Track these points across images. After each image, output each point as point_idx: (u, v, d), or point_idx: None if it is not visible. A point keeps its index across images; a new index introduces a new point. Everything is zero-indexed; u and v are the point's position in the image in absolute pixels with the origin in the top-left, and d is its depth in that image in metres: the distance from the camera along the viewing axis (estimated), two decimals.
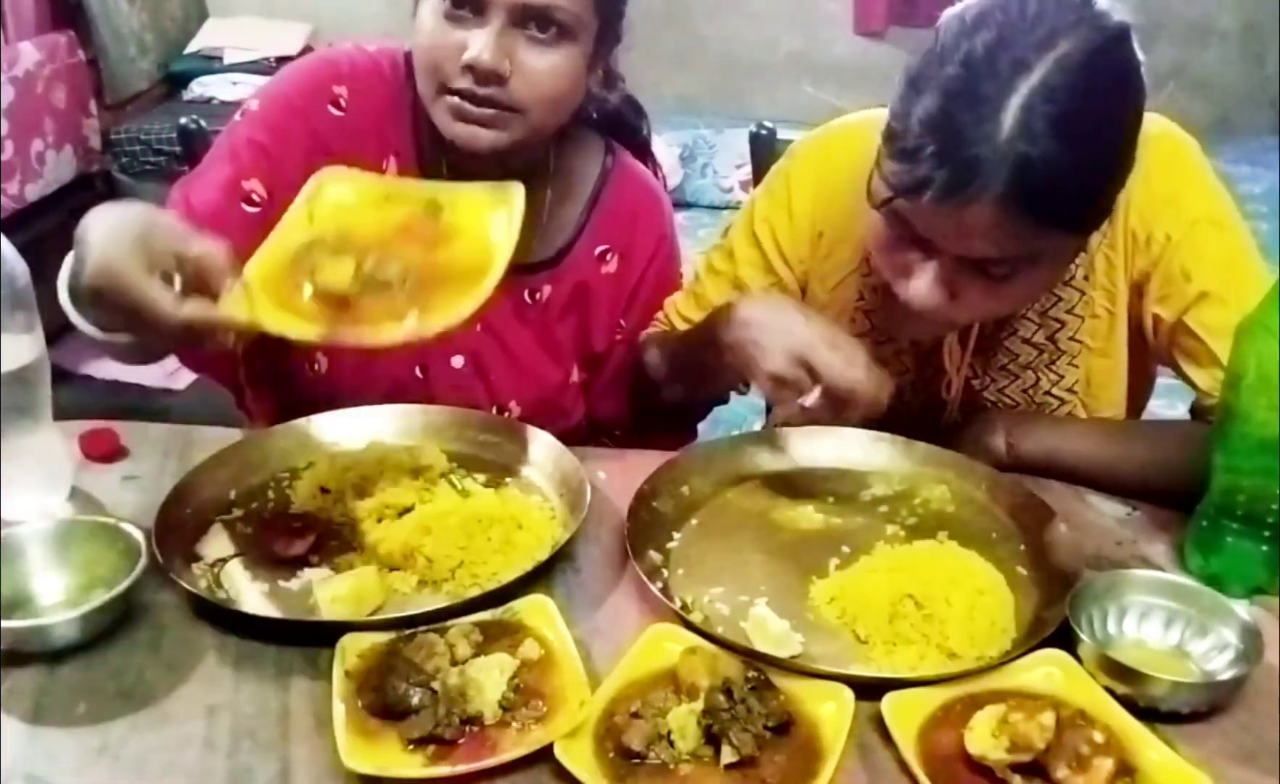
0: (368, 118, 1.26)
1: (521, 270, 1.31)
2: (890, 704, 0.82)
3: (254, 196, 1.22)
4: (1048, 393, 1.23)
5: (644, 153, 1.41)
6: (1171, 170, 1.15)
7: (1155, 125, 1.15)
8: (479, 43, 1.10)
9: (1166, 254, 1.14)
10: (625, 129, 1.38)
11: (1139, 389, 1.27)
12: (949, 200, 0.96)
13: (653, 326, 1.38)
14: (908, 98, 0.99)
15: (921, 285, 1.04)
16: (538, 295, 1.33)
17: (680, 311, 1.35)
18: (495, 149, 1.16)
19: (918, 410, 1.28)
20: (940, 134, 0.95)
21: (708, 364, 1.21)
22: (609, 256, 1.34)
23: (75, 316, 1.00)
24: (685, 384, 1.32)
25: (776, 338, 1.08)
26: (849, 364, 1.05)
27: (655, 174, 1.42)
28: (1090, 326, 1.20)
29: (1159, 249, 1.14)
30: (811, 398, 1.05)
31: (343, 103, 1.25)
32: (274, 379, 1.31)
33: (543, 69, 1.13)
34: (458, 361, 1.31)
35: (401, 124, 1.27)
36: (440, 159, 1.24)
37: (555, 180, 1.30)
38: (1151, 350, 1.20)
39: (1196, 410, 1.16)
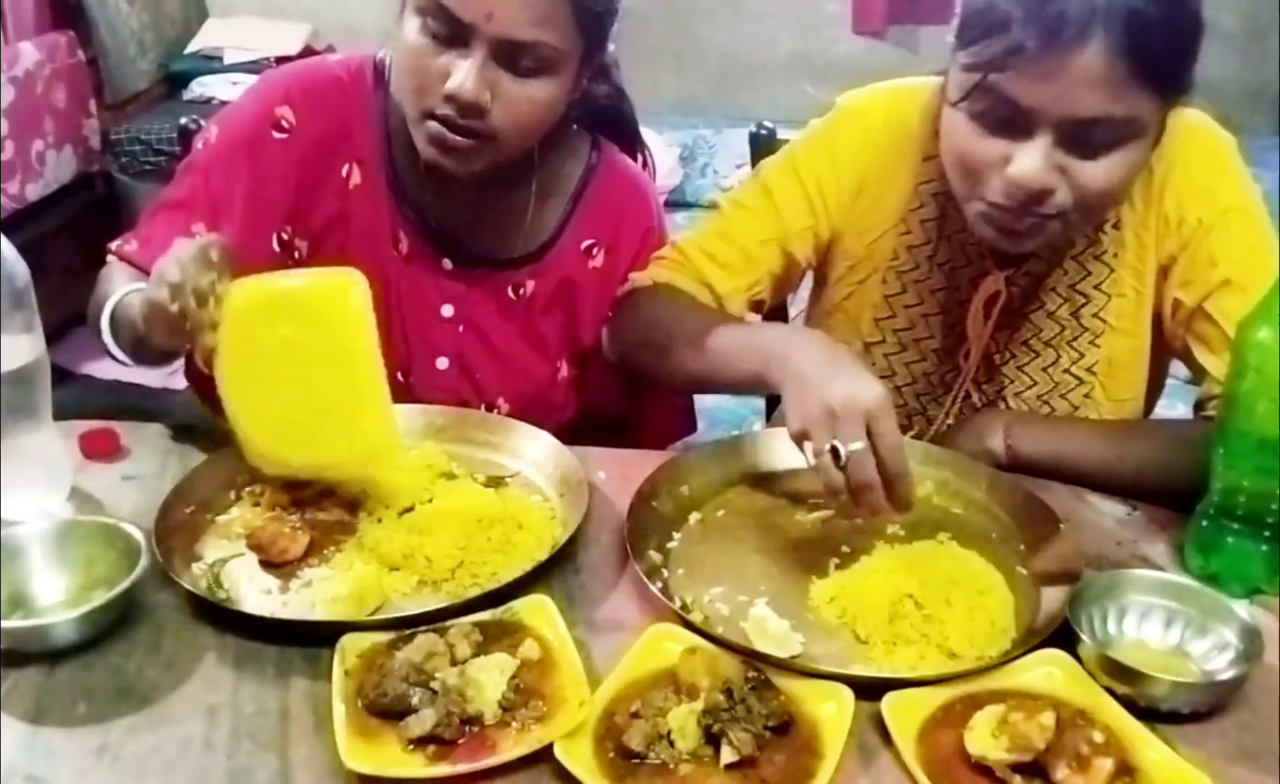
0: (318, 132, 1.27)
1: (504, 266, 1.32)
2: (890, 704, 0.82)
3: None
4: (1067, 371, 1.23)
5: (632, 144, 1.41)
6: (1210, 160, 1.17)
7: (1197, 118, 1.18)
8: (461, 74, 1.11)
9: (1196, 238, 1.15)
10: (612, 121, 1.38)
11: (1153, 386, 1.28)
12: (1051, 53, 0.98)
13: (660, 267, 1.29)
14: None
15: (1027, 162, 1.03)
16: (521, 291, 1.32)
17: (704, 249, 1.28)
18: (467, 173, 1.18)
19: (937, 381, 1.29)
20: None
21: (740, 384, 1.15)
22: (595, 251, 1.33)
23: (110, 340, 1.16)
24: (703, 379, 1.21)
25: (833, 393, 0.96)
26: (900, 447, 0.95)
27: (645, 164, 1.42)
28: (1116, 306, 1.21)
29: (1189, 232, 1.16)
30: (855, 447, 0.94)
31: (286, 124, 1.26)
32: None
33: (524, 101, 1.14)
34: (442, 363, 1.31)
35: (366, 131, 1.28)
36: (412, 163, 1.23)
37: (538, 176, 1.30)
38: (1166, 338, 1.21)
39: (1201, 403, 1.16)
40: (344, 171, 1.28)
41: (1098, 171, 1.05)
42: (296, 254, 1.29)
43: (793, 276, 1.33)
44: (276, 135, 1.26)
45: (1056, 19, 0.98)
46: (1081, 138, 1.03)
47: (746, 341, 1.13)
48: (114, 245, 1.29)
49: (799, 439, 0.98)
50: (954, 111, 1.09)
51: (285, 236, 1.28)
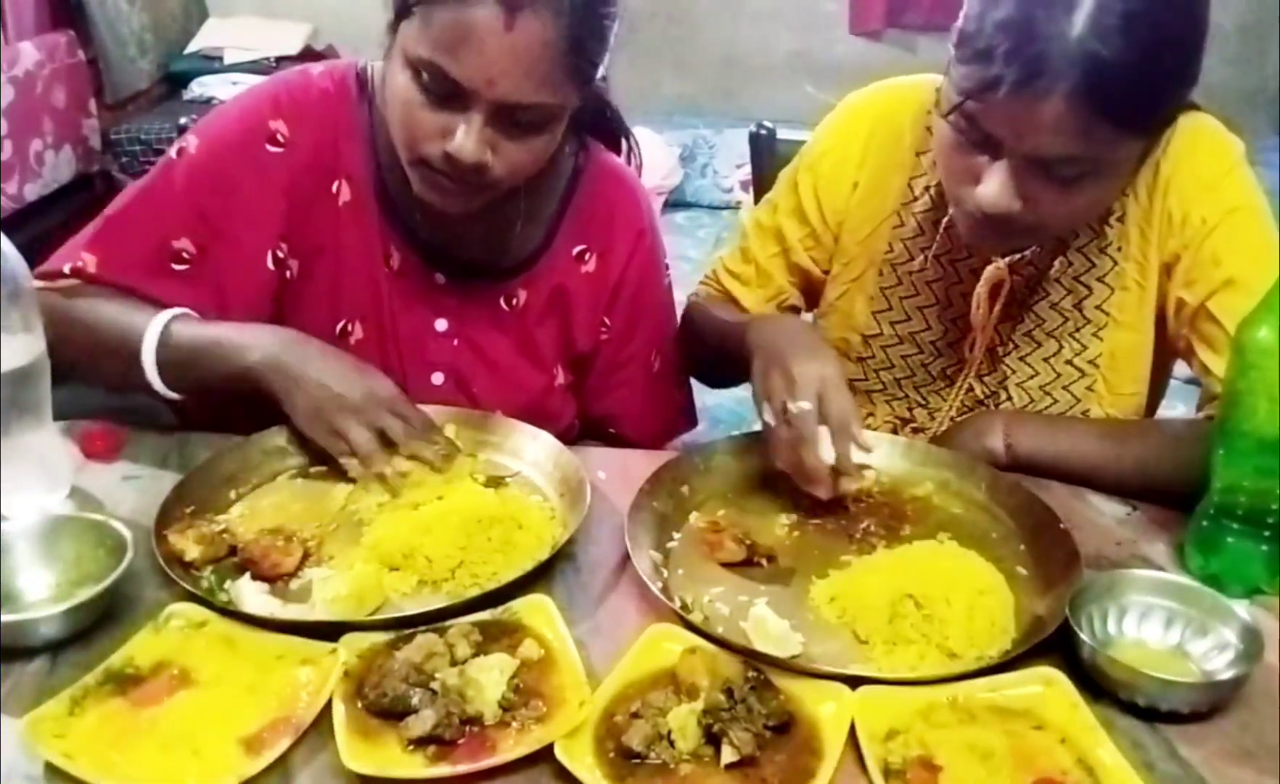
0: (310, 148, 1.23)
1: (496, 276, 1.30)
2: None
3: (183, 255, 1.22)
4: (1069, 363, 1.24)
5: (614, 135, 1.37)
6: (1216, 160, 1.18)
7: (1205, 120, 1.19)
8: (461, 135, 1.07)
9: (1199, 237, 1.16)
10: (595, 117, 1.33)
11: (1155, 387, 1.28)
12: (1021, 95, 0.99)
13: (701, 286, 1.44)
14: (983, 1, 1.02)
15: (991, 187, 1.06)
16: (514, 301, 1.30)
17: (729, 267, 1.40)
18: (461, 211, 1.16)
19: (936, 372, 1.29)
20: (1014, 32, 0.99)
21: (737, 368, 1.20)
22: (587, 256, 1.31)
23: (156, 379, 1.16)
24: (714, 368, 1.41)
25: (802, 367, 1.07)
26: (854, 417, 1.06)
27: (630, 156, 1.38)
28: (1119, 299, 1.22)
29: (1193, 231, 1.16)
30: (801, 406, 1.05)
31: (280, 138, 1.22)
32: (256, 405, 1.28)
33: (523, 152, 1.12)
34: (437, 379, 1.29)
35: (354, 146, 1.24)
36: (401, 179, 1.19)
37: (527, 183, 1.26)
38: (1169, 337, 1.21)
39: (1204, 403, 1.16)
40: (335, 188, 1.24)
41: (1061, 203, 1.06)
42: (288, 272, 1.25)
43: (813, 282, 1.37)
44: (271, 148, 1.22)
45: (1028, 63, 0.98)
46: (1046, 172, 1.04)
47: (735, 326, 1.24)
48: (59, 268, 1.21)
49: (759, 400, 1.10)
50: (942, 120, 1.10)
51: (280, 254, 1.24)
